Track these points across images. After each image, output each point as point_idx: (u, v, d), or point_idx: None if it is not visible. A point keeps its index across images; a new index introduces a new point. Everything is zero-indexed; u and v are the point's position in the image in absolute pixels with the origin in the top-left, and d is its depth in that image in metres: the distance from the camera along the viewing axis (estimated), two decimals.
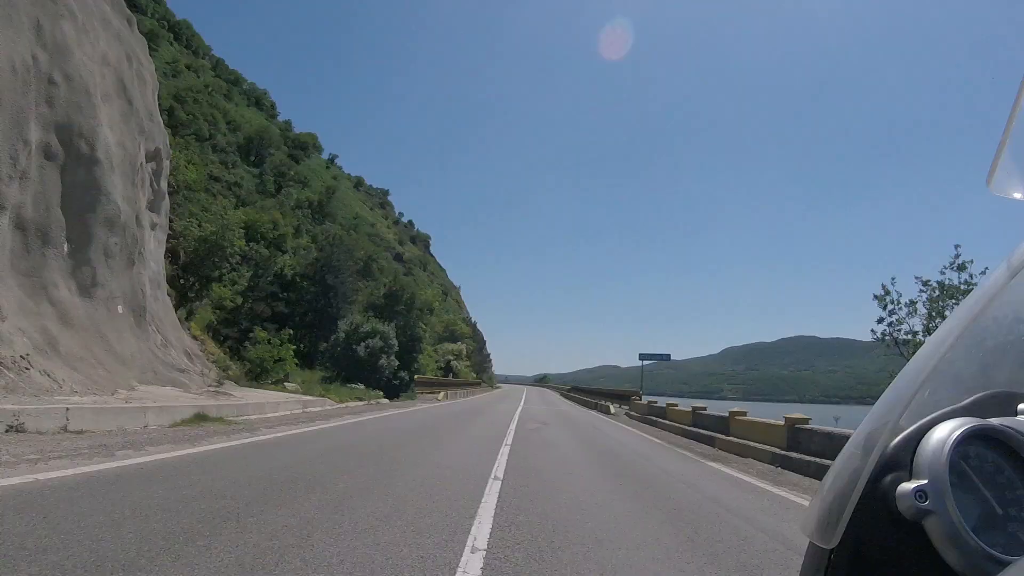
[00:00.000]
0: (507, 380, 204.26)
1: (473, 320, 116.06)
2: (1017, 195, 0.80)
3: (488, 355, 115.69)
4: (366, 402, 25.35)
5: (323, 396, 22.84)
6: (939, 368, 0.72)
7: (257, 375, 24.58)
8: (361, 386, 30.82)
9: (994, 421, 0.73)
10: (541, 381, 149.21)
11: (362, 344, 34.37)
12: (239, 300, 32.44)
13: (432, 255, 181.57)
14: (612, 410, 27.95)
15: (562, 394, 70.72)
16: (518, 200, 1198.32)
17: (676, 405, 20.20)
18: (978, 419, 0.72)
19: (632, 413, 25.71)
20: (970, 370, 0.80)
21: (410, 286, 45.21)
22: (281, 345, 26.26)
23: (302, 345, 34.07)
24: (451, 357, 63.51)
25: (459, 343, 70.26)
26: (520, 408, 29.15)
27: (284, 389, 23.64)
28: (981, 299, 0.73)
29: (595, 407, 34.31)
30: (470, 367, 73.88)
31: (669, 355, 37.43)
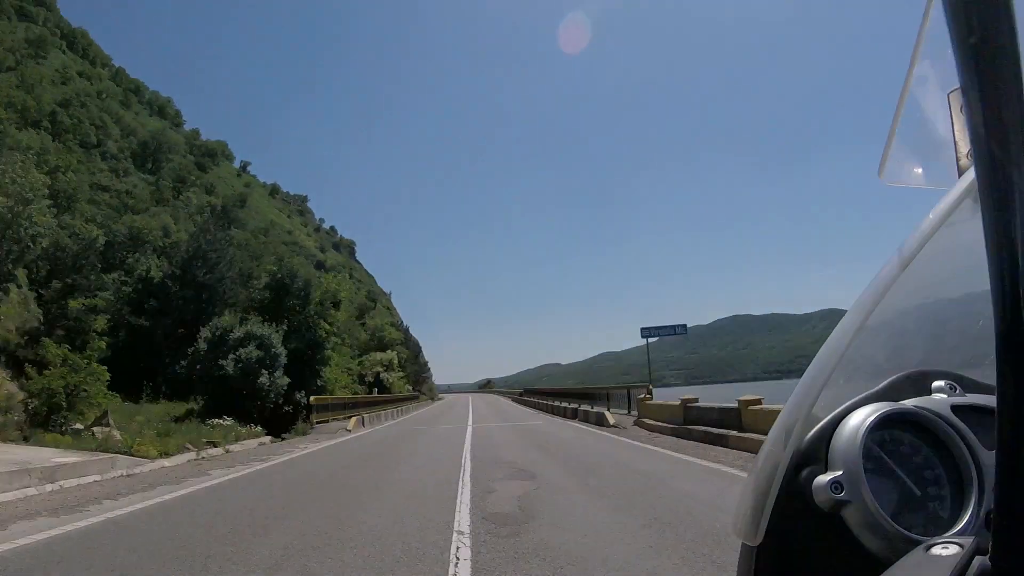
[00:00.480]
0: (450, 389, 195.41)
1: (405, 325, 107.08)
2: (908, 182, 0.85)
3: (426, 364, 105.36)
4: (221, 450, 15.25)
5: (134, 449, 12.44)
6: (849, 356, 0.72)
7: (46, 416, 16.11)
8: (229, 420, 20.33)
9: (908, 403, 0.73)
10: (486, 387, 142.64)
11: (231, 357, 23.81)
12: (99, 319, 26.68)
13: (358, 261, 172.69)
14: (611, 419, 18.10)
15: (514, 399, 58.55)
16: (449, 204, 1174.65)
17: (758, 402, 11.52)
18: (891, 403, 0.72)
19: (649, 421, 16.13)
20: (883, 354, 0.81)
21: (304, 269, 34.15)
22: (87, 367, 18.05)
23: (158, 366, 27.81)
24: (380, 368, 53.37)
25: (389, 351, 59.50)
26: (469, 431, 19.50)
27: (88, 439, 14.04)
28: (879, 288, 0.72)
29: (571, 415, 24.57)
30: (405, 378, 63.31)
31: (685, 325, 28.24)
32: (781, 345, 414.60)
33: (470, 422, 24.43)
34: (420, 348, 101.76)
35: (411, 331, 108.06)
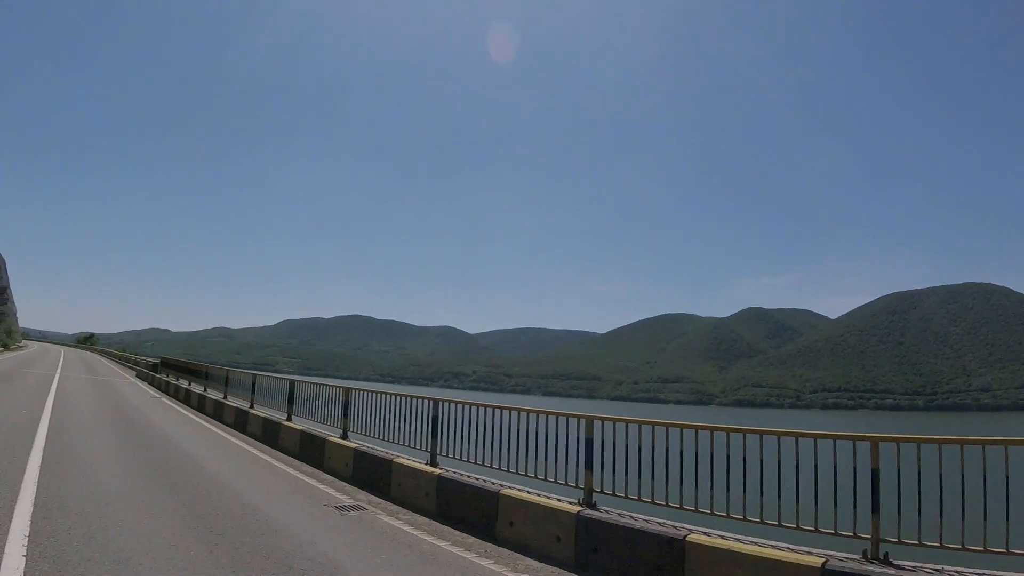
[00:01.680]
0: (45, 337, 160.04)
1: None
2: None
3: (8, 295, 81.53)
4: None
5: None
6: None
7: None
8: None
9: None
10: (86, 342, 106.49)
11: None
12: None
13: None
14: None
15: (139, 375, 32.69)
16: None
17: None
18: None
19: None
20: None
21: None
22: None
23: None
24: None
25: None
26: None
27: None
28: None
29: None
30: None
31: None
32: (395, 351, 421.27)
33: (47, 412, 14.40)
34: (1, 267, 76.55)
35: None
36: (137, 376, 32.92)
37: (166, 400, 21.64)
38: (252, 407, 15.03)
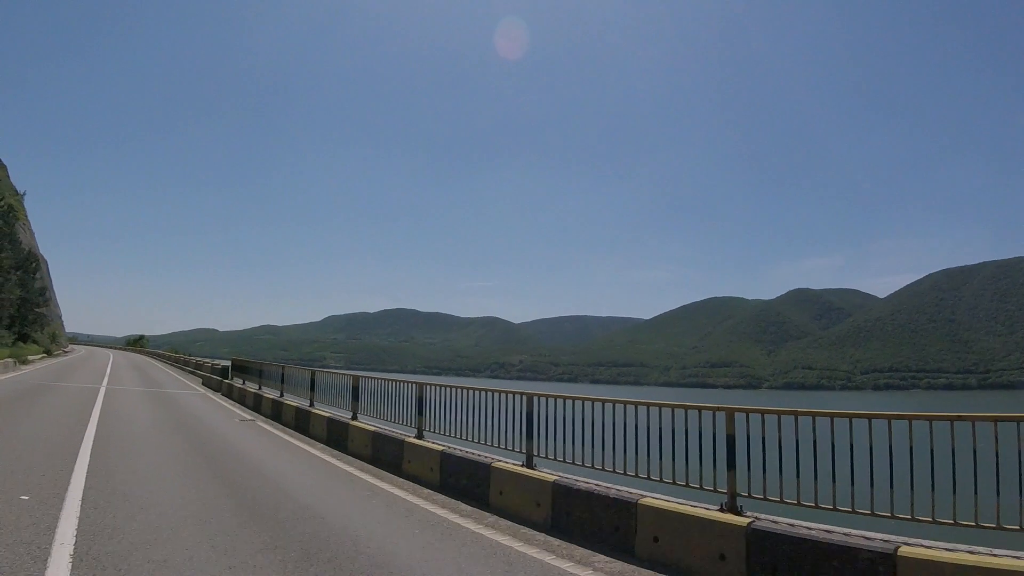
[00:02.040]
0: (93, 341, 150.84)
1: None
2: None
3: (49, 297, 74.72)
4: None
5: None
6: None
7: None
8: None
9: None
10: (136, 344, 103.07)
11: None
12: None
13: None
14: None
15: (205, 381, 27.92)
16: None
17: None
18: None
19: None
20: None
21: None
22: None
23: None
24: None
25: None
26: None
27: None
28: None
29: None
30: None
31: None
32: (441, 343, 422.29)
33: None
34: (38, 266, 62.87)
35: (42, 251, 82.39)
36: (204, 384, 27.78)
37: (267, 426, 14.88)
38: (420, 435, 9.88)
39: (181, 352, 63.15)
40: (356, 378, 12.58)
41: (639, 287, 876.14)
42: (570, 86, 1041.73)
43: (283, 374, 17.47)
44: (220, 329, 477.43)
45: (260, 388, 18.82)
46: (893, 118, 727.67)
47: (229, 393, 22.16)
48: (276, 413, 15.91)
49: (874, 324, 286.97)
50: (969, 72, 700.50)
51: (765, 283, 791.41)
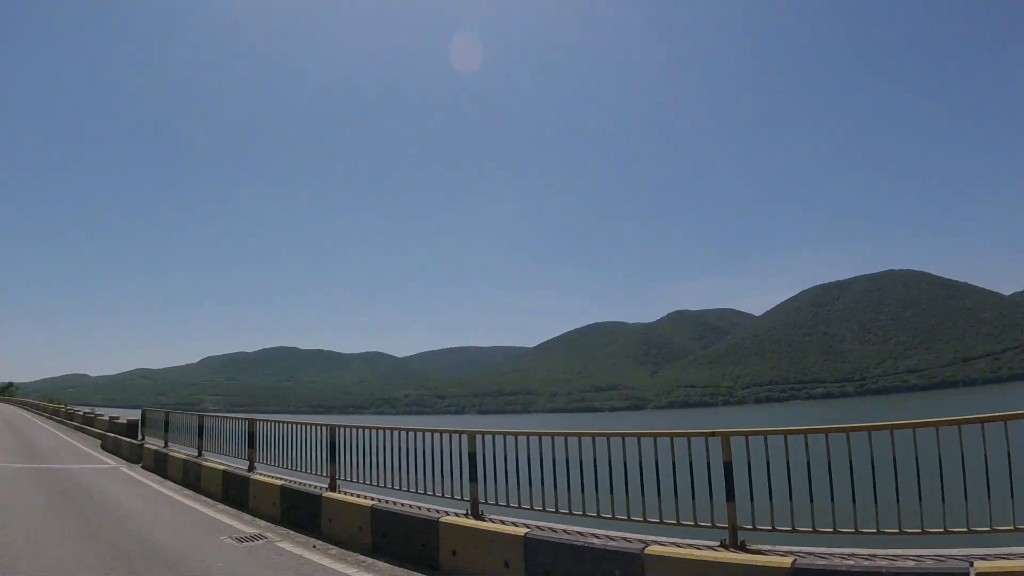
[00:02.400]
0: None
1: None
2: None
3: None
4: None
5: None
6: None
7: None
8: None
9: None
10: (4, 392, 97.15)
11: None
12: None
13: None
14: None
15: (107, 445, 19.26)
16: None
17: None
18: None
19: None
20: None
21: None
22: None
23: None
24: None
25: None
26: None
27: None
28: None
29: None
30: None
31: None
32: (324, 381, 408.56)
33: None
34: None
35: None
36: (106, 449, 19.22)
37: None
38: None
39: (57, 401, 55.79)
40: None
41: (522, 314, 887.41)
42: (441, 123, 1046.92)
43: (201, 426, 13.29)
44: (91, 374, 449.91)
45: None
46: (768, 142, 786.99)
47: (162, 469, 13.82)
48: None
49: (751, 340, 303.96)
50: (837, 92, 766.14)
51: (646, 307, 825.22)
